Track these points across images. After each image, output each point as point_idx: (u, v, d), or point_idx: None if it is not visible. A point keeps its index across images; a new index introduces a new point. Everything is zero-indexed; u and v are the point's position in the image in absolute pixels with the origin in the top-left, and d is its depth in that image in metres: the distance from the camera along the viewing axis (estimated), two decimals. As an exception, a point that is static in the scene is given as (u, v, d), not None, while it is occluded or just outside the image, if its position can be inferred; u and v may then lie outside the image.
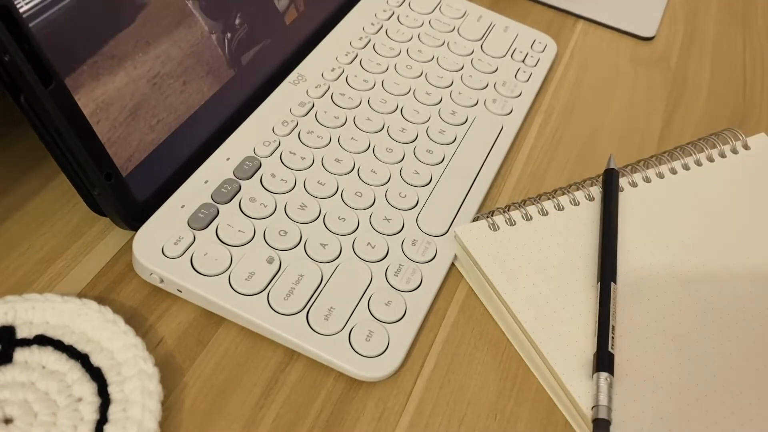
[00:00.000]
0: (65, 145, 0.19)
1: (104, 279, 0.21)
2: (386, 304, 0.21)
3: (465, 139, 0.27)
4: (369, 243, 0.22)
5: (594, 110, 0.31)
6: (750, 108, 0.33)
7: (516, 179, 0.27)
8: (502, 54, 0.32)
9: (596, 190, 0.25)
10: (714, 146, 0.28)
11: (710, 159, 0.27)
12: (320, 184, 0.24)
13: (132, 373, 0.18)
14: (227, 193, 0.23)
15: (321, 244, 0.22)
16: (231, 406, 0.19)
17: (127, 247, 0.22)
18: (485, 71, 0.31)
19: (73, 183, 0.20)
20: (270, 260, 0.21)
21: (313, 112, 0.26)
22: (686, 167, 0.27)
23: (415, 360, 0.21)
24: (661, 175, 0.26)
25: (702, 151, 0.27)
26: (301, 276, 0.21)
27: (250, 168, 0.24)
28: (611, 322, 0.20)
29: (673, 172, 0.26)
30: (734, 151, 0.28)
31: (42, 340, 0.18)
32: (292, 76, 0.28)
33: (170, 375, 0.19)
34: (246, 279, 0.20)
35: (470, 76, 0.30)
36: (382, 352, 0.20)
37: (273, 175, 0.24)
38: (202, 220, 0.22)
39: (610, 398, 0.19)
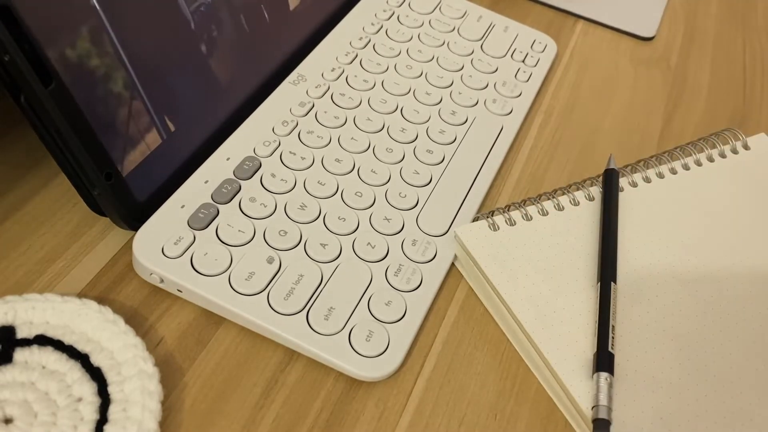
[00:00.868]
0: (65, 145, 0.19)
1: (104, 279, 0.21)
2: (386, 304, 0.21)
3: (465, 139, 0.27)
4: (369, 243, 0.22)
5: (594, 110, 0.31)
6: (750, 108, 0.33)
7: (516, 179, 0.27)
8: (502, 54, 0.32)
9: (596, 190, 0.25)
10: (714, 146, 0.28)
11: (710, 159, 0.27)
12: (320, 184, 0.24)
13: (132, 373, 0.18)
14: (227, 193, 0.23)
15: (321, 244, 0.22)
16: (231, 406, 0.19)
17: (127, 247, 0.22)
18: (485, 71, 0.31)
19: (73, 183, 0.20)
20: (270, 260, 0.21)
21: (313, 112, 0.26)
22: (686, 167, 0.27)
23: (415, 360, 0.21)
24: (661, 175, 0.26)
25: (702, 151, 0.27)
26: (301, 276, 0.21)
27: (250, 168, 0.24)
28: (611, 322, 0.20)
29: (673, 172, 0.26)
30: (734, 151, 0.28)
31: (42, 340, 0.18)
32: (292, 76, 0.28)
33: (170, 375, 0.19)
34: (246, 279, 0.20)
35: (470, 76, 0.30)
36: (382, 352, 0.20)
37: (273, 175, 0.24)
38: (202, 220, 0.22)
39: (610, 398, 0.19)
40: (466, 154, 0.27)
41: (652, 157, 0.27)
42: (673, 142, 0.30)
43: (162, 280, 0.20)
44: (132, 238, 0.21)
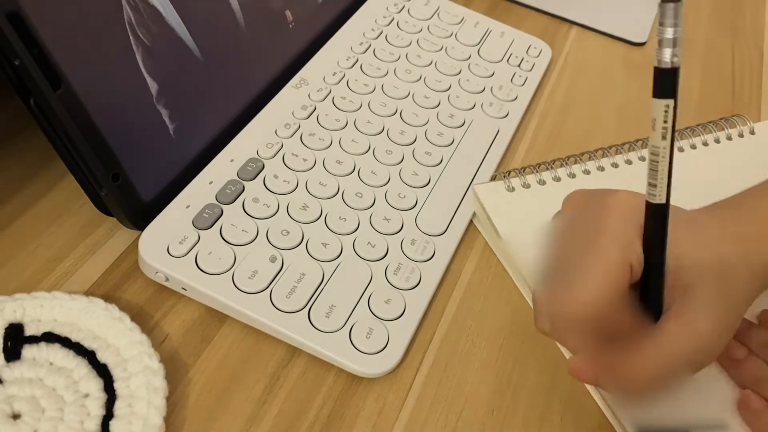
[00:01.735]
0: (73, 147, 0.19)
1: (111, 277, 0.22)
2: (386, 302, 0.21)
3: (462, 141, 0.28)
4: (369, 242, 0.23)
5: (587, 114, 0.32)
6: (739, 111, 0.34)
7: (512, 181, 0.28)
8: (498, 59, 0.32)
9: (607, 161, 0.26)
10: (722, 129, 0.28)
11: (717, 140, 0.28)
12: (322, 185, 0.24)
13: (138, 370, 0.18)
14: (231, 193, 0.23)
15: (322, 244, 0.22)
16: (234, 402, 0.19)
17: (134, 246, 0.22)
18: (482, 75, 0.31)
19: (81, 184, 0.21)
20: (273, 259, 0.21)
21: (314, 115, 0.27)
22: (693, 146, 0.27)
23: (414, 356, 0.21)
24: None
25: (710, 132, 0.28)
26: (303, 274, 0.21)
27: (253, 169, 0.24)
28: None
29: (680, 150, 0.27)
30: (741, 135, 0.28)
31: (50, 337, 0.19)
32: (295, 80, 0.28)
33: (175, 371, 0.19)
34: (249, 277, 0.21)
35: (467, 80, 0.31)
36: (382, 349, 0.20)
37: (276, 176, 0.24)
38: (207, 220, 0.22)
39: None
40: (464, 156, 0.27)
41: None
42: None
43: (167, 279, 0.21)
44: (138, 237, 0.21)
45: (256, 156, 0.25)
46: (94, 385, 0.18)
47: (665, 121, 0.15)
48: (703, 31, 0.39)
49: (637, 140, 0.28)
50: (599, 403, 0.21)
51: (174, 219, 0.22)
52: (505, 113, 0.30)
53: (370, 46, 0.31)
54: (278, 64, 0.28)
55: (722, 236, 0.18)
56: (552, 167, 0.26)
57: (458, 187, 0.26)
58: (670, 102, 0.15)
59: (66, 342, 0.19)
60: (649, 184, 0.16)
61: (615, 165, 0.27)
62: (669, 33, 0.14)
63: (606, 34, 0.37)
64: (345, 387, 0.20)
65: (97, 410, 0.18)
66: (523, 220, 0.23)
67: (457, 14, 0.34)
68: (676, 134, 0.28)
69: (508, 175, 0.25)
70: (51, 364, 0.18)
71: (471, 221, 0.25)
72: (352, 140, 0.26)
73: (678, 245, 0.17)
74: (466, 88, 0.30)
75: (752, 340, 0.20)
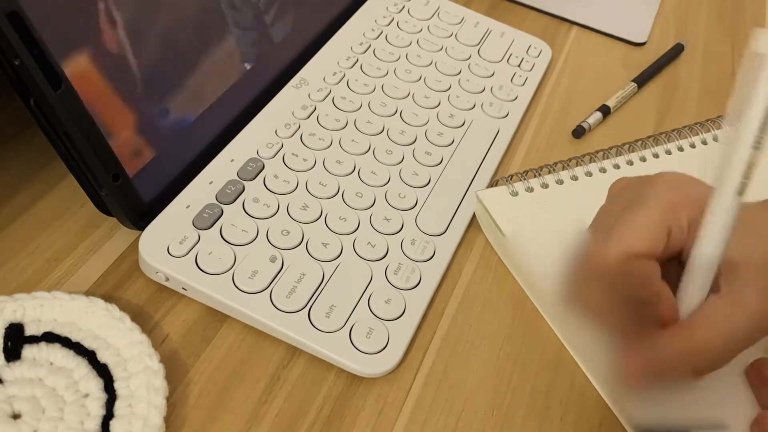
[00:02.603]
0: (73, 147, 0.19)
1: (111, 277, 0.22)
2: (386, 302, 0.21)
3: (463, 141, 0.28)
4: (369, 242, 0.23)
5: (587, 114, 0.32)
6: (740, 112, 0.34)
7: (512, 181, 0.28)
8: (498, 59, 0.32)
9: (608, 163, 0.26)
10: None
11: (716, 139, 0.28)
12: (322, 185, 0.24)
13: (138, 370, 0.18)
14: (231, 193, 0.23)
15: (322, 244, 0.22)
16: (235, 402, 0.19)
17: (134, 246, 0.22)
18: (482, 75, 0.31)
19: (81, 184, 0.21)
20: (273, 259, 0.21)
21: (315, 115, 0.27)
22: (692, 146, 0.28)
23: (414, 356, 0.21)
24: (669, 152, 0.27)
25: (709, 131, 0.28)
26: (303, 274, 0.21)
27: (253, 169, 0.24)
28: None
29: (680, 149, 0.27)
30: None
31: (50, 337, 0.19)
32: (295, 80, 0.28)
33: (175, 371, 0.19)
34: (249, 277, 0.21)
35: (468, 80, 0.31)
36: (382, 349, 0.20)
37: (276, 176, 0.24)
38: (207, 220, 0.22)
39: None
40: (464, 156, 0.27)
41: (661, 133, 0.28)
42: (665, 145, 0.31)
43: (167, 279, 0.21)
44: (138, 237, 0.21)
45: (257, 156, 0.25)
46: (94, 385, 0.18)
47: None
48: (703, 31, 0.39)
49: (637, 140, 0.28)
50: (605, 398, 0.21)
51: (174, 219, 0.22)
52: (506, 113, 0.30)
53: (370, 46, 0.31)
54: (278, 64, 0.28)
55: None
56: (554, 170, 0.26)
57: (458, 187, 0.26)
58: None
59: (66, 342, 0.19)
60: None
61: (617, 166, 0.27)
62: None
63: (606, 34, 0.37)
64: (345, 387, 0.20)
65: (97, 410, 0.18)
66: (529, 224, 0.23)
67: (457, 14, 0.34)
68: (676, 134, 0.28)
69: (511, 179, 0.25)
70: (51, 364, 0.18)
71: (471, 221, 0.25)
72: (352, 140, 0.26)
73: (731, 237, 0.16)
74: (466, 88, 0.30)
75: None
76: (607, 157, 0.27)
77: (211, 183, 0.23)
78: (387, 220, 0.24)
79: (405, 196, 0.25)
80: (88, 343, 0.19)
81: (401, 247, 0.23)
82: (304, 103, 0.27)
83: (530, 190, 0.25)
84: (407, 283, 0.22)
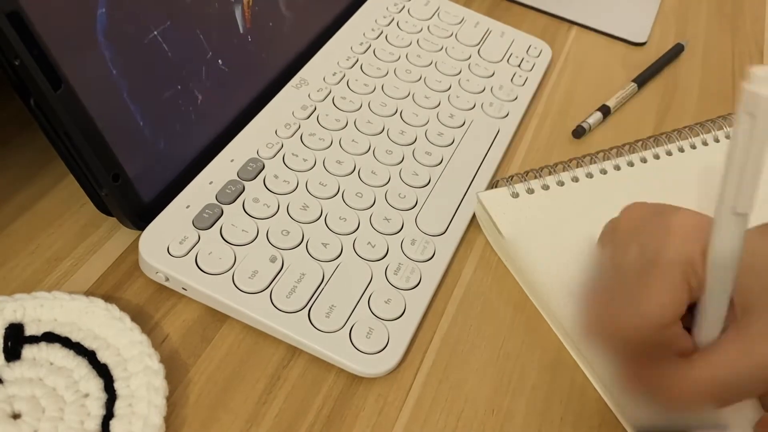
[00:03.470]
0: (74, 148, 0.19)
1: (111, 277, 0.22)
2: (386, 302, 0.21)
3: (463, 141, 0.28)
4: (369, 242, 0.23)
5: (587, 114, 0.32)
6: (740, 112, 0.34)
7: (512, 181, 0.28)
8: (498, 59, 0.32)
9: (609, 164, 0.26)
10: (721, 128, 0.29)
11: (716, 140, 0.28)
12: (322, 185, 0.24)
13: (138, 370, 0.18)
14: (231, 193, 0.23)
15: (322, 244, 0.22)
16: (234, 402, 0.19)
17: (134, 246, 0.22)
18: (482, 75, 0.31)
19: (81, 184, 0.21)
20: (273, 259, 0.21)
21: (315, 115, 0.27)
22: (693, 146, 0.27)
23: (414, 356, 0.21)
24: (669, 153, 0.27)
25: (709, 131, 0.28)
26: (303, 274, 0.21)
27: (253, 169, 0.24)
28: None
29: (681, 150, 0.27)
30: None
31: (50, 337, 0.19)
32: (295, 80, 0.28)
33: (175, 371, 0.19)
34: (249, 277, 0.21)
35: (468, 80, 0.31)
36: (382, 349, 0.20)
37: (276, 176, 0.24)
38: (207, 220, 0.22)
39: None
40: (464, 156, 0.27)
41: (662, 134, 0.28)
42: (665, 145, 0.31)
43: (167, 279, 0.21)
44: (138, 237, 0.21)
45: (257, 156, 0.25)
46: (94, 385, 0.18)
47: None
48: (704, 31, 0.39)
49: (637, 141, 0.28)
50: (605, 398, 0.21)
51: (174, 219, 0.22)
52: (506, 113, 0.30)
53: (370, 46, 0.31)
54: (278, 64, 0.28)
55: None
56: (555, 171, 0.26)
57: (458, 187, 0.26)
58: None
59: (66, 342, 0.19)
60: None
61: (617, 168, 0.27)
62: None
63: (606, 34, 0.37)
64: (345, 387, 0.20)
65: (98, 410, 0.18)
66: (529, 226, 0.23)
67: (457, 14, 0.34)
68: (676, 134, 0.28)
69: (511, 180, 0.25)
70: (51, 364, 0.18)
71: (471, 221, 0.25)
72: (352, 140, 0.26)
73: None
74: (466, 88, 0.30)
75: None
76: (608, 158, 0.27)
77: (211, 183, 0.23)
78: (387, 220, 0.24)
79: (405, 196, 0.25)
80: (88, 343, 0.19)
81: (401, 247, 0.23)
82: (304, 103, 0.27)
83: (531, 191, 0.25)
84: (407, 283, 0.22)
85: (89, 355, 0.19)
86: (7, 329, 0.19)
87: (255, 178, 0.24)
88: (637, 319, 0.16)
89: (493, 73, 0.32)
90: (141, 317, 0.21)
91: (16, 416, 0.17)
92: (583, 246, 0.23)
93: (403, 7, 0.34)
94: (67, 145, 0.19)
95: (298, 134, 0.26)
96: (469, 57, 0.32)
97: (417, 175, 0.26)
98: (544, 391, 0.21)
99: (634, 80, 0.33)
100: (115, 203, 0.21)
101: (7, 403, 0.17)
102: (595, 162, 0.26)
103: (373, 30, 0.32)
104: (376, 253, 0.23)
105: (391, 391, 0.20)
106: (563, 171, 0.26)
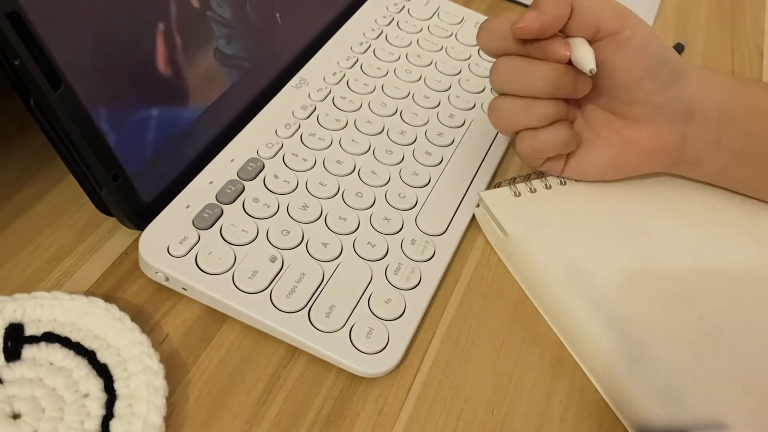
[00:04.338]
0: (73, 147, 0.19)
1: (111, 277, 0.22)
2: (386, 302, 0.21)
3: (463, 141, 0.28)
4: (369, 242, 0.23)
5: (588, 114, 0.32)
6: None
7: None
8: (498, 59, 0.33)
9: None
10: None
11: None
12: (322, 184, 0.24)
13: (138, 370, 0.18)
14: (231, 193, 0.23)
15: (322, 244, 0.22)
16: (234, 402, 0.19)
17: (134, 246, 0.22)
18: (482, 75, 0.31)
19: (81, 184, 0.21)
20: (273, 259, 0.21)
21: (315, 115, 0.27)
22: None
23: (414, 356, 0.21)
24: None
25: None
26: (303, 274, 0.21)
27: (253, 169, 0.24)
28: None
29: None
30: None
31: (50, 337, 0.19)
32: (295, 79, 0.28)
33: (175, 371, 0.19)
34: (249, 277, 0.21)
35: (468, 80, 0.31)
36: (382, 349, 0.20)
37: (276, 176, 0.24)
38: (207, 219, 0.22)
39: None
40: (464, 156, 0.27)
41: None
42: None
43: (167, 279, 0.21)
44: (138, 237, 0.21)
45: (257, 156, 0.25)
46: (94, 385, 0.18)
47: None
48: (704, 31, 0.39)
49: None
50: (605, 398, 0.21)
51: (174, 219, 0.22)
52: (505, 113, 0.30)
53: (370, 46, 0.31)
54: (278, 64, 0.28)
55: None
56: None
57: (459, 186, 0.26)
58: None
59: (66, 342, 0.19)
60: None
61: None
62: None
63: (606, 34, 0.37)
64: (345, 387, 0.20)
65: (97, 410, 0.18)
66: (531, 226, 0.23)
67: (457, 14, 0.34)
68: None
69: (513, 181, 0.25)
70: (51, 364, 0.18)
71: (471, 221, 0.25)
72: (352, 140, 0.26)
73: None
74: (466, 88, 0.30)
75: None
76: None
77: (211, 183, 0.23)
78: (387, 220, 0.24)
79: (405, 196, 0.25)
80: (88, 343, 0.19)
81: (401, 247, 0.23)
82: (304, 103, 0.27)
83: (533, 191, 0.25)
84: (407, 283, 0.22)
85: (89, 355, 0.19)
86: (7, 329, 0.19)
87: (255, 178, 0.24)
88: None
89: (493, 73, 0.32)
90: (141, 317, 0.21)
91: (16, 416, 0.17)
92: (585, 245, 0.23)
93: (403, 7, 0.34)
94: (67, 145, 0.19)
95: (298, 134, 0.26)
96: (469, 57, 0.32)
97: (417, 174, 0.26)
98: (544, 391, 0.21)
99: (634, 80, 0.33)
100: (115, 203, 0.21)
101: (7, 403, 0.17)
102: None
103: (373, 30, 0.32)
104: (376, 253, 0.23)
105: (391, 391, 0.20)
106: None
